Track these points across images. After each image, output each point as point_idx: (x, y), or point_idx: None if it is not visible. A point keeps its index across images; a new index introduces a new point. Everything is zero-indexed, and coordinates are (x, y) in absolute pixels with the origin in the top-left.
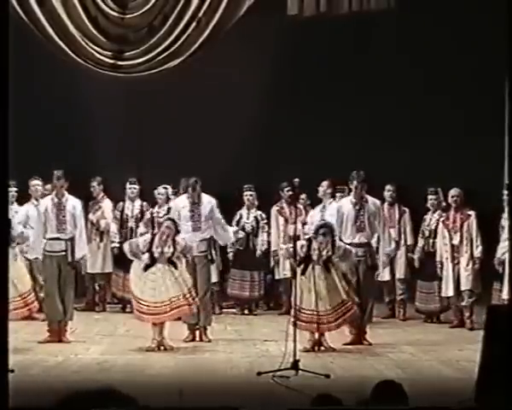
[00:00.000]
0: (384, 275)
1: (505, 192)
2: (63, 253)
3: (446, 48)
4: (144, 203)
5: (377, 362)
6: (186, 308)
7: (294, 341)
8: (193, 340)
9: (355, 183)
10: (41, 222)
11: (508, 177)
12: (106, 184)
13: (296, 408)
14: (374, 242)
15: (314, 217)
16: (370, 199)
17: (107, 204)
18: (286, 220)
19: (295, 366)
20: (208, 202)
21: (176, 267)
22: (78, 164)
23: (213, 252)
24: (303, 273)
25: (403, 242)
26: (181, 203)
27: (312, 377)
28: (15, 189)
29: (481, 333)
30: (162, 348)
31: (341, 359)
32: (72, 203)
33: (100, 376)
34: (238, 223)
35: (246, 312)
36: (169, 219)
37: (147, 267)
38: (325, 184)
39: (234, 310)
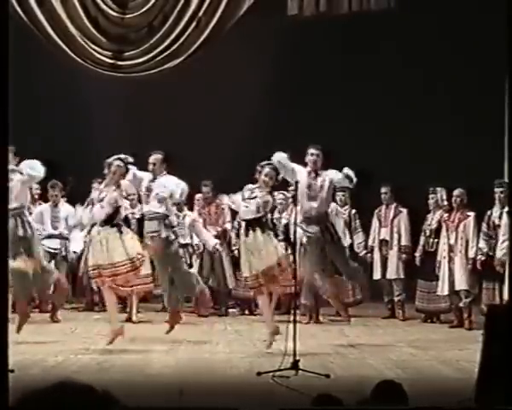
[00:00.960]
0: (377, 274)
1: (498, 190)
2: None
3: (446, 48)
4: None
5: (377, 362)
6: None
7: (294, 340)
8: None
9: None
10: None
11: (508, 177)
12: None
13: (296, 408)
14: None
15: None
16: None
17: None
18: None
19: (295, 365)
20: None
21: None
22: (79, 164)
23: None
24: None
25: (395, 242)
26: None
27: (312, 377)
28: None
29: (481, 333)
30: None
31: (341, 359)
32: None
33: (99, 376)
34: (239, 223)
35: (246, 312)
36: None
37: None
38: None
39: (234, 310)
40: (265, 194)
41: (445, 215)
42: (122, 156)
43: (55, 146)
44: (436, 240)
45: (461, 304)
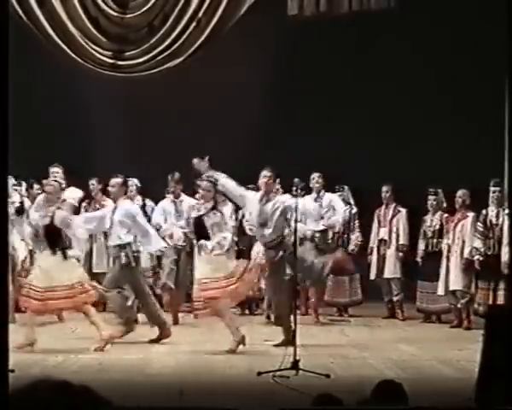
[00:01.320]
0: (374, 274)
1: (494, 189)
2: None
3: (447, 47)
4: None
5: (377, 362)
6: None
7: (294, 340)
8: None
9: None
10: None
11: (507, 177)
12: (104, 184)
13: (296, 408)
14: None
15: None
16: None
17: (109, 203)
18: None
19: (295, 365)
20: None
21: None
22: (78, 163)
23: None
24: None
25: (394, 241)
26: None
27: (312, 377)
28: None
29: (481, 333)
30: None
31: (341, 359)
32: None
33: (100, 375)
34: (240, 222)
35: (246, 312)
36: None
37: None
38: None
39: (234, 310)
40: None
41: (445, 216)
42: None
43: (54, 145)
44: (439, 240)
45: (458, 304)
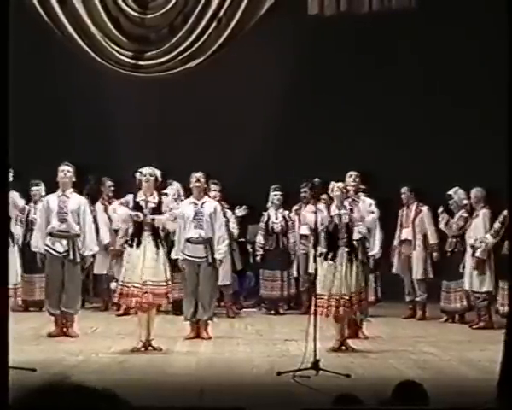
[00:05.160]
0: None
1: None
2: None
3: (464, 48)
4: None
5: (398, 362)
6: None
7: (315, 340)
8: (195, 337)
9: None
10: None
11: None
12: (120, 184)
13: (316, 408)
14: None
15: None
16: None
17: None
18: (299, 221)
19: (316, 365)
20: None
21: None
22: (94, 163)
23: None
24: (326, 259)
25: (419, 242)
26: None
27: (333, 377)
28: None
29: (502, 333)
30: (150, 348)
31: (362, 359)
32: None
33: (120, 375)
34: (266, 224)
35: (272, 312)
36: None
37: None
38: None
39: (254, 310)
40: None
41: (465, 215)
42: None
43: (75, 146)
44: (458, 240)
45: (478, 304)
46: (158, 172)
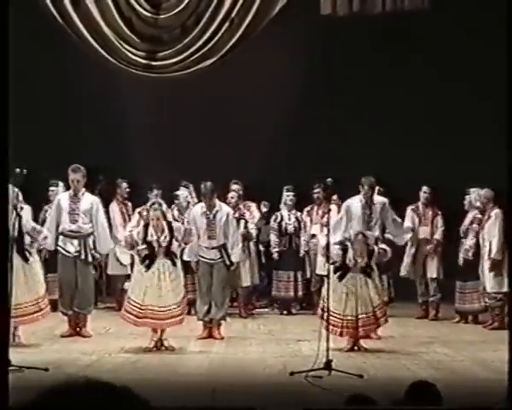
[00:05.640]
0: (410, 273)
1: None
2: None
3: (480, 48)
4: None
5: (411, 363)
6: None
7: (327, 341)
8: (207, 337)
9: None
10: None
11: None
12: (135, 186)
13: (329, 408)
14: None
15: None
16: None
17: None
18: (311, 221)
19: (328, 366)
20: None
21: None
22: (109, 165)
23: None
24: (341, 279)
25: (434, 241)
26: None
27: (345, 377)
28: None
29: None
30: (163, 348)
31: (374, 359)
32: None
33: (133, 375)
34: (280, 224)
35: (284, 312)
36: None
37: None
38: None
39: (267, 310)
40: None
41: (479, 216)
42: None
43: (88, 146)
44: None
45: (492, 305)
46: (163, 206)
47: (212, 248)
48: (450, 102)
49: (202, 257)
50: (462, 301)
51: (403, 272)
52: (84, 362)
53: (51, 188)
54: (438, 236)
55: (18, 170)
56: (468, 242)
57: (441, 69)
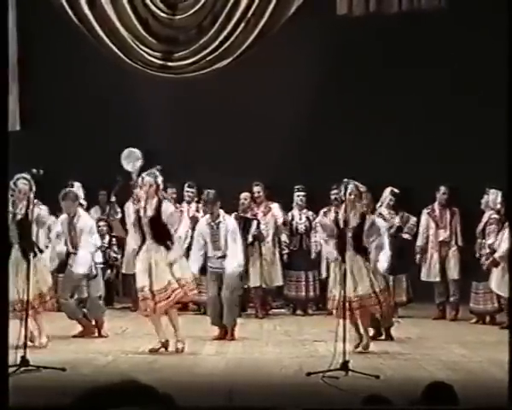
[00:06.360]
0: (435, 276)
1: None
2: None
3: (493, 48)
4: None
5: (427, 363)
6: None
7: (344, 341)
8: (221, 339)
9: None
10: None
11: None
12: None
13: (345, 409)
14: None
15: None
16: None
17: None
18: None
19: (345, 366)
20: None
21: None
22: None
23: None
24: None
25: (453, 243)
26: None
27: (362, 377)
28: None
29: None
30: (172, 349)
31: (391, 360)
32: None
33: (150, 375)
34: (291, 224)
35: (299, 312)
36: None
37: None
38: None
39: (283, 310)
40: None
41: (494, 216)
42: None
43: (103, 146)
44: (484, 241)
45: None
46: (159, 177)
47: (218, 258)
48: (466, 101)
49: (210, 267)
50: (477, 302)
51: (425, 276)
52: (101, 362)
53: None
54: (460, 242)
55: (35, 170)
56: (488, 242)
57: (457, 69)
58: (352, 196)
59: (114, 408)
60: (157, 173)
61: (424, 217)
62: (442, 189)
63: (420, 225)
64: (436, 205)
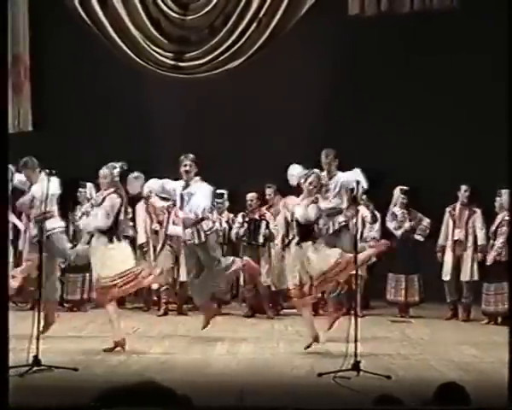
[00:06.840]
0: (446, 274)
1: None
2: None
3: (506, 48)
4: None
5: (439, 364)
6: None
7: (355, 341)
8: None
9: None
10: None
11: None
12: None
13: (357, 409)
14: None
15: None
16: None
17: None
18: None
19: (356, 367)
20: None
21: None
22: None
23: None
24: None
25: (470, 243)
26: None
27: (373, 378)
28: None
29: None
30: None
31: (403, 360)
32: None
33: (161, 375)
34: None
35: (312, 312)
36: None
37: None
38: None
39: (294, 310)
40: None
41: (507, 218)
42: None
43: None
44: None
45: None
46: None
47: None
48: (480, 100)
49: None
50: (488, 303)
51: (445, 276)
52: (112, 362)
53: (80, 189)
54: (481, 240)
55: (48, 170)
56: (498, 243)
57: (470, 68)
58: (311, 187)
59: (134, 408)
60: (116, 166)
61: (446, 216)
62: (463, 187)
63: (442, 223)
64: (458, 204)
